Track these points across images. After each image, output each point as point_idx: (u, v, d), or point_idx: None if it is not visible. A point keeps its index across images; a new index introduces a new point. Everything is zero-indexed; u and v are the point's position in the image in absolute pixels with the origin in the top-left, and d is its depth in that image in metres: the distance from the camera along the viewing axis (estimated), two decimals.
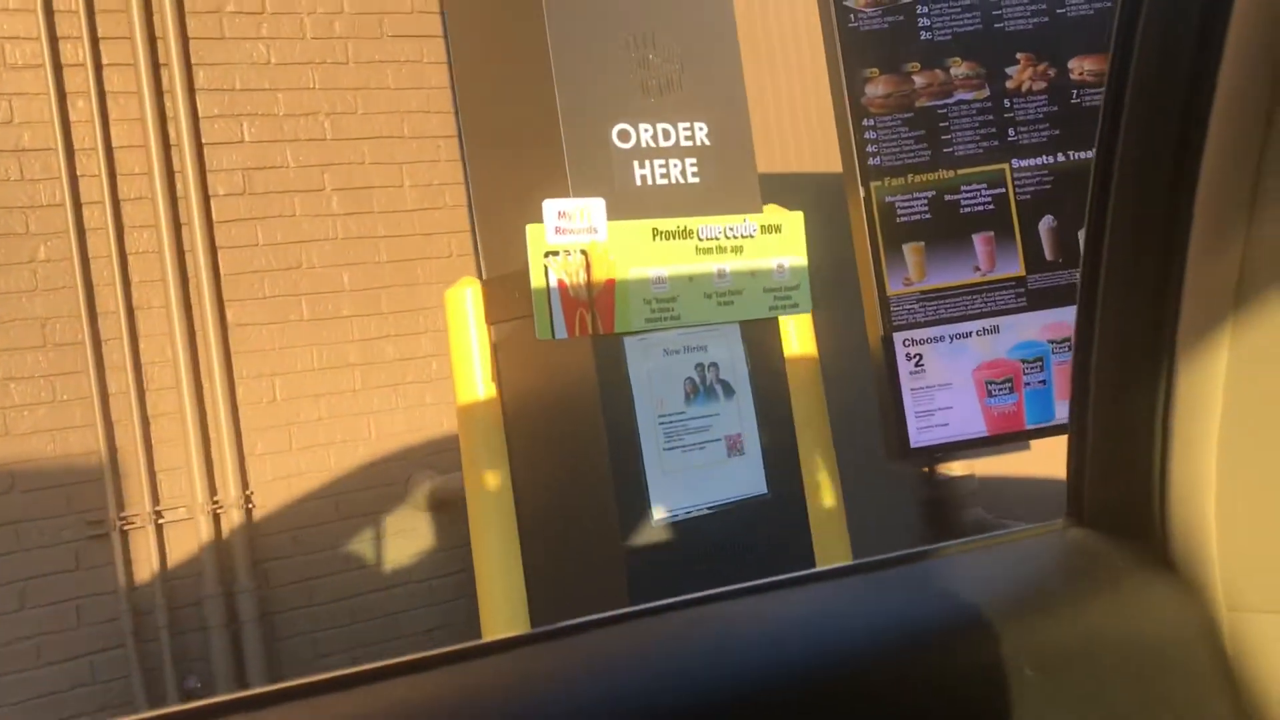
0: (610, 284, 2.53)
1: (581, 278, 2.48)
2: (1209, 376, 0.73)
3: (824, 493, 2.95)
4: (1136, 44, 0.75)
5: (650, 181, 2.64)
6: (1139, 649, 0.73)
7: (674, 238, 2.62)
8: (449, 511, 4.27)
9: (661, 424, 2.61)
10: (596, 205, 2.50)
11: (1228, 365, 0.72)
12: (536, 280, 2.44)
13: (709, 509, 2.64)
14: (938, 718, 0.66)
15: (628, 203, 2.60)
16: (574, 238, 2.47)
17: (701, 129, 2.71)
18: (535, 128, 2.60)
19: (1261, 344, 0.71)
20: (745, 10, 5.50)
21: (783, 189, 5.11)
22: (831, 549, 2.84)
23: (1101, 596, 0.76)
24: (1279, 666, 0.71)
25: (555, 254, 2.46)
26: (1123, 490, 0.79)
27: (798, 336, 2.91)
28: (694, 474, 2.64)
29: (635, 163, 2.62)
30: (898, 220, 3.41)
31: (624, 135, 2.62)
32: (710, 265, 2.68)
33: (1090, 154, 0.73)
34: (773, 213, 2.80)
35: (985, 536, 0.88)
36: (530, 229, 2.43)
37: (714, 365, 2.69)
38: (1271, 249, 0.71)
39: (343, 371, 4.30)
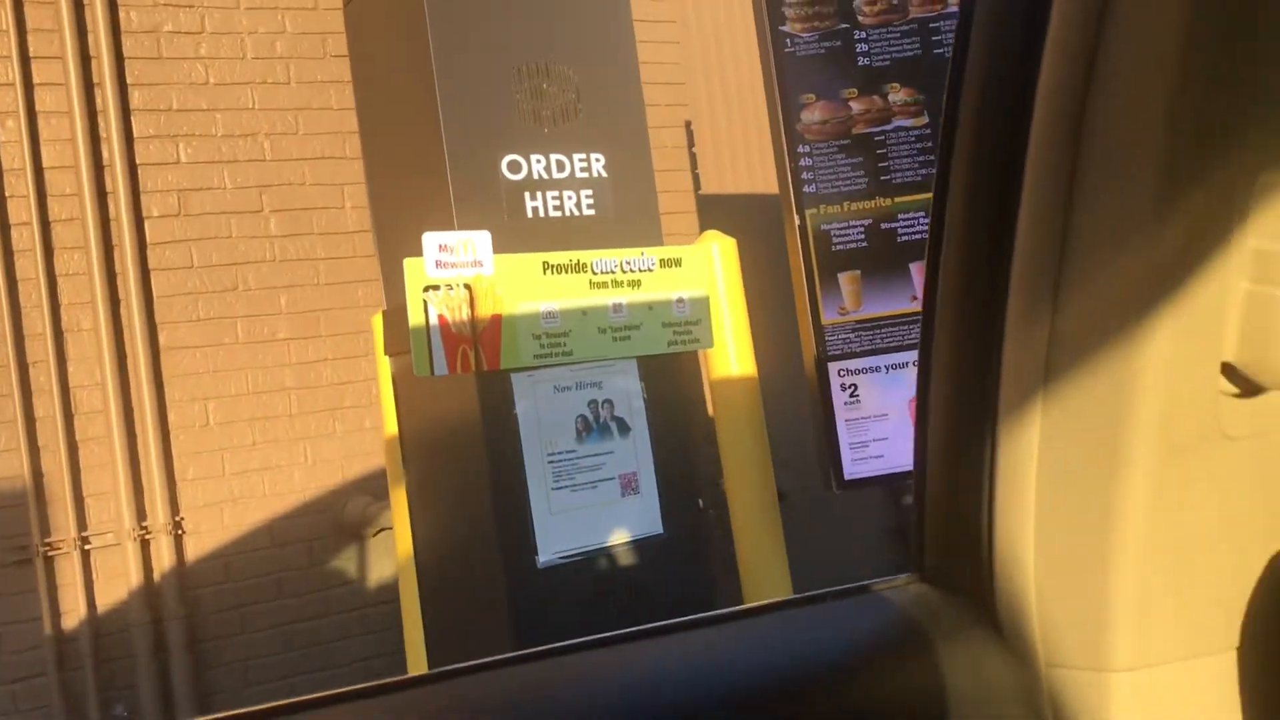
0: (496, 319, 2.47)
1: (464, 313, 2.41)
2: (1024, 448, 0.75)
3: (757, 523, 2.87)
4: (959, 118, 0.76)
5: (543, 214, 2.58)
6: (963, 702, 0.76)
7: (567, 271, 2.55)
8: (384, 538, 4.20)
9: (550, 462, 2.54)
10: (481, 238, 2.44)
11: (1039, 438, 0.74)
12: (414, 316, 2.38)
13: (600, 550, 2.57)
14: None
15: (518, 235, 2.54)
16: (457, 271, 2.40)
17: (599, 160, 2.64)
18: (422, 158, 2.54)
19: (1065, 421, 0.73)
20: (694, 28, 5.44)
21: (731, 211, 5.05)
22: (766, 580, 2.75)
23: (932, 651, 0.79)
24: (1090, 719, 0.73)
25: (436, 288, 2.39)
26: (957, 550, 0.82)
27: (738, 362, 2.84)
28: (584, 514, 2.57)
29: (526, 194, 2.56)
30: (833, 248, 3.34)
31: (514, 166, 2.55)
32: (605, 299, 2.61)
33: None
34: (674, 247, 2.73)
35: (842, 587, 0.89)
36: (408, 263, 2.37)
37: (608, 402, 2.62)
38: (1075, 328, 0.69)
39: (278, 395, 4.24)
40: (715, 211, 4.85)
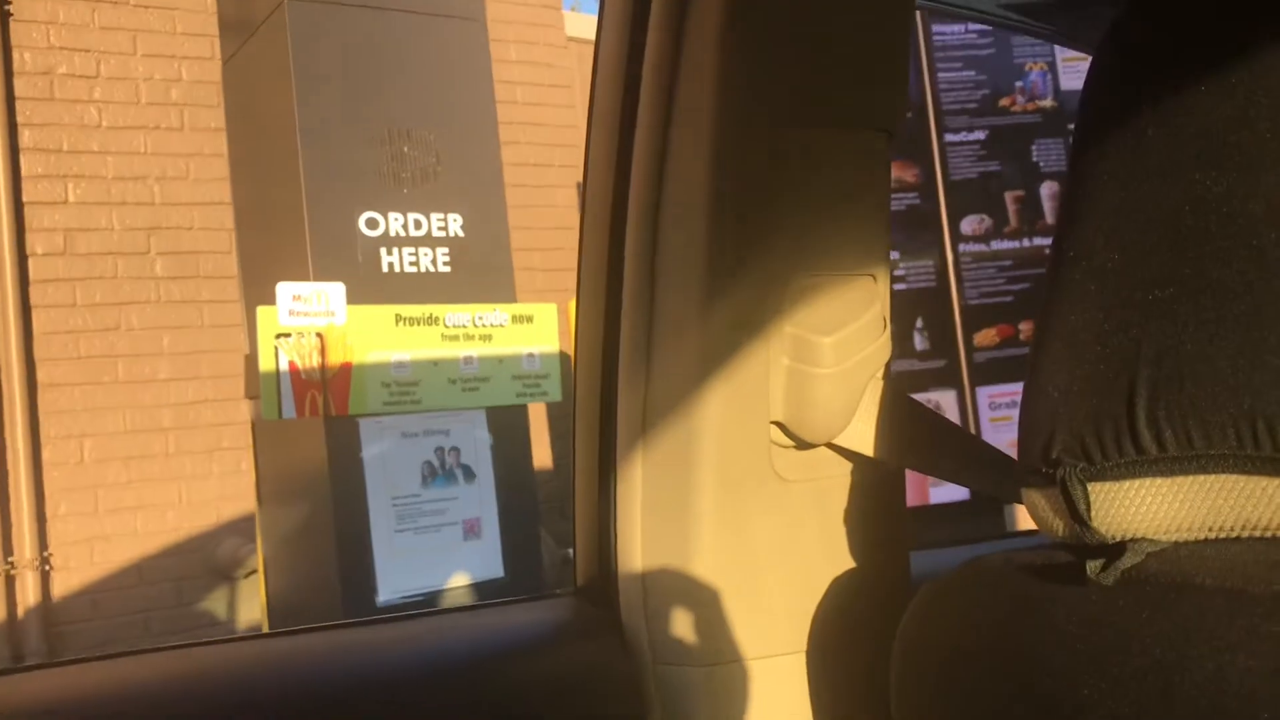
0: (347, 366, 2.59)
1: (315, 360, 2.54)
2: (632, 482, 0.89)
3: None
4: (585, 201, 0.94)
5: (398, 269, 2.72)
6: (591, 692, 0.90)
7: (419, 324, 2.69)
8: (254, 580, 4.25)
9: (395, 506, 2.65)
10: (335, 289, 2.57)
11: (642, 473, 0.89)
12: (265, 361, 2.49)
13: (441, 591, 2.68)
14: None
15: (373, 288, 2.67)
16: (309, 320, 2.53)
17: (455, 220, 2.79)
18: (284, 212, 2.67)
19: (658, 459, 0.87)
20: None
21: None
22: None
23: (567, 652, 0.93)
24: (687, 707, 0.87)
25: (288, 335, 2.51)
26: (596, 567, 0.96)
27: None
28: (427, 556, 2.68)
29: (383, 250, 2.70)
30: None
31: (372, 223, 2.69)
32: (457, 352, 2.75)
33: None
34: (525, 304, 2.88)
35: (512, 599, 1.05)
36: (261, 311, 2.49)
37: (455, 449, 2.75)
38: (661, 387, 0.84)
39: (156, 435, 4.29)
40: None
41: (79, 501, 4.16)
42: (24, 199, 4.13)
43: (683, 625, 0.87)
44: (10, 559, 4.01)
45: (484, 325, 2.78)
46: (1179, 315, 0.51)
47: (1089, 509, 0.54)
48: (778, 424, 0.84)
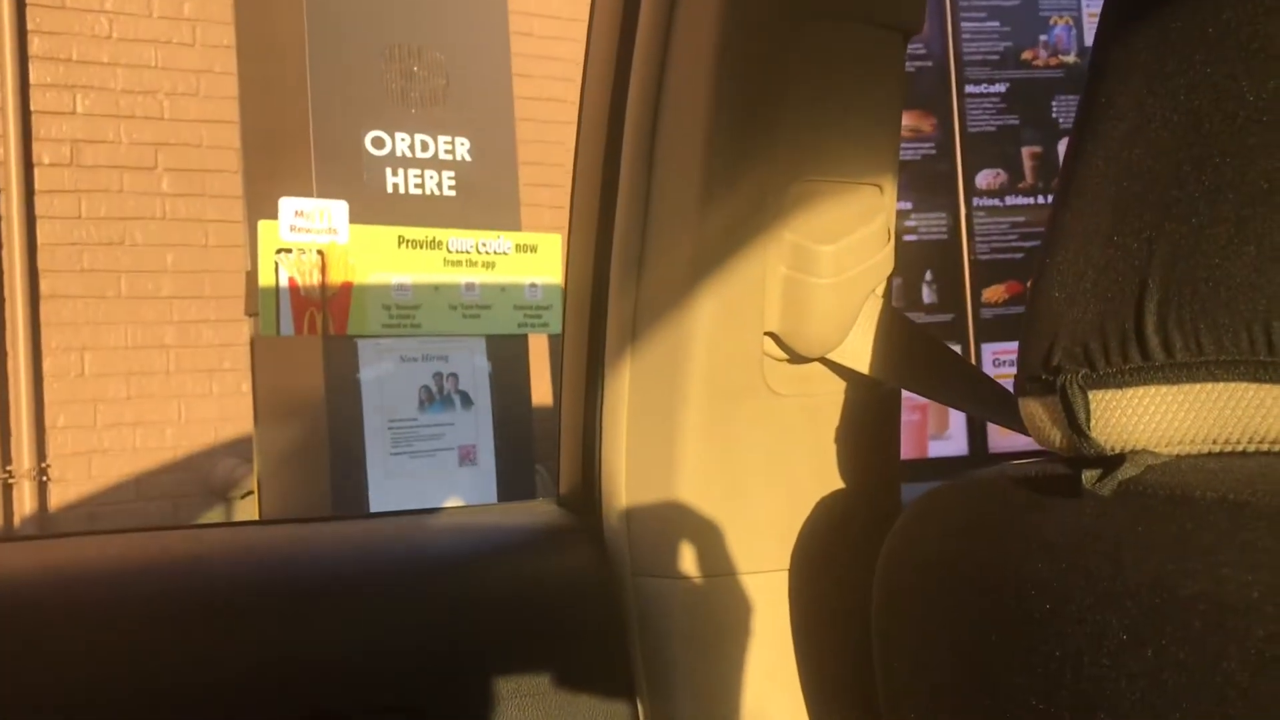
0: (347, 286, 2.57)
1: (315, 277, 2.52)
2: (619, 391, 0.88)
3: None
4: (582, 120, 0.93)
5: (403, 190, 2.69)
6: (568, 600, 0.90)
7: (422, 247, 2.66)
8: (250, 501, 4.26)
9: (391, 428, 2.64)
10: (339, 207, 2.54)
11: (630, 382, 0.87)
12: (265, 277, 2.47)
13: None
14: (432, 624, 0.85)
15: (377, 208, 2.64)
16: (311, 237, 2.51)
17: (463, 144, 2.76)
18: (289, 127, 2.64)
19: (645, 369, 0.86)
20: None
21: None
22: None
23: (546, 557, 0.94)
24: (665, 619, 0.87)
25: (289, 251, 2.49)
26: (579, 475, 0.96)
27: None
28: (421, 481, 2.68)
29: (388, 170, 2.66)
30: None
31: (378, 142, 2.66)
32: (459, 277, 2.73)
33: None
34: (529, 234, 2.86)
35: (493, 504, 1.04)
36: (262, 225, 2.46)
37: (453, 375, 2.73)
38: (652, 295, 0.82)
39: (157, 352, 4.28)
40: None
41: (78, 414, 4.16)
42: (31, 107, 4.09)
43: (664, 536, 0.85)
44: (9, 468, 4.03)
45: (487, 252, 2.75)
46: (1196, 216, 0.49)
47: (1089, 418, 0.52)
48: (771, 335, 0.82)
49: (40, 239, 4.11)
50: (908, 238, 3.91)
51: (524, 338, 2.88)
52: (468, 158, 2.77)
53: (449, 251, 2.70)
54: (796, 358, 0.83)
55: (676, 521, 0.84)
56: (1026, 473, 0.57)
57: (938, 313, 3.98)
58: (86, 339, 4.18)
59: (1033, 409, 0.56)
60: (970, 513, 0.59)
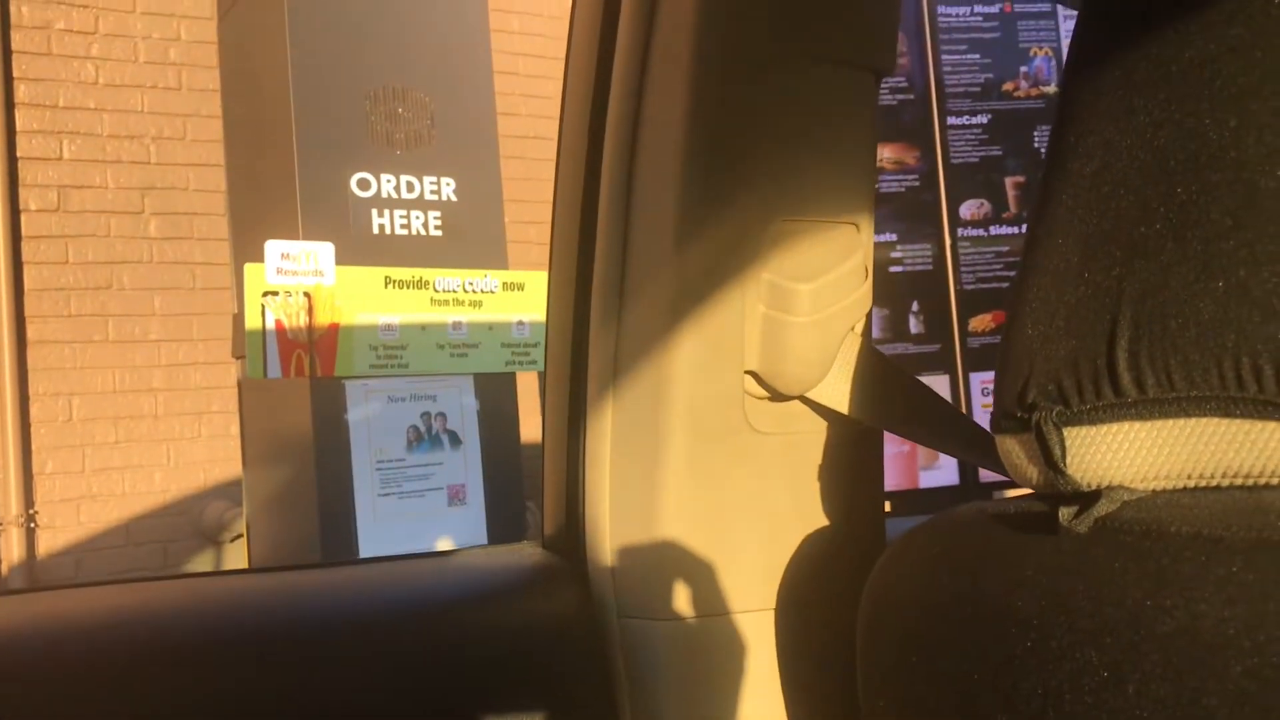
0: (334, 327, 2.57)
1: (302, 319, 2.51)
2: (601, 432, 0.88)
3: None
4: (561, 149, 0.92)
5: (389, 230, 2.69)
6: (555, 644, 0.89)
7: (408, 287, 2.66)
8: (240, 544, 4.24)
9: (379, 469, 2.64)
10: (325, 249, 2.54)
11: (612, 424, 0.87)
12: (252, 320, 2.47)
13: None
14: (415, 674, 0.84)
15: (363, 249, 2.65)
16: (297, 279, 2.51)
17: (449, 184, 2.77)
18: (275, 170, 2.65)
19: (627, 409, 0.86)
20: None
21: None
22: None
23: (531, 602, 0.92)
24: (652, 661, 0.86)
25: (275, 294, 2.49)
26: (563, 520, 0.95)
27: None
28: (409, 522, 2.67)
29: (374, 211, 2.67)
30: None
31: (364, 184, 2.67)
32: (446, 316, 2.73)
33: None
34: (516, 272, 2.86)
35: (476, 547, 1.04)
36: (248, 268, 2.47)
37: (441, 415, 2.73)
38: (631, 336, 0.82)
39: (145, 396, 4.27)
40: None
41: (66, 460, 4.15)
42: (18, 153, 4.10)
43: (649, 578, 0.85)
44: None
45: (474, 291, 2.76)
46: (1164, 253, 0.49)
47: (1064, 455, 0.52)
48: (752, 374, 0.82)
49: (27, 284, 4.11)
50: (893, 269, 3.92)
51: (512, 376, 2.88)
52: (453, 198, 2.78)
53: (436, 291, 2.70)
54: (777, 396, 0.83)
55: (661, 562, 0.84)
56: (1005, 509, 0.58)
57: (925, 343, 3.99)
58: (74, 384, 4.17)
59: (1009, 446, 0.56)
60: (951, 550, 0.59)
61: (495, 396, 2.82)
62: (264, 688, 0.79)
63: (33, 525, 4.07)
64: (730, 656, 0.85)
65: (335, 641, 0.84)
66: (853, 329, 0.83)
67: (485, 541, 2.76)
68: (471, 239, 2.80)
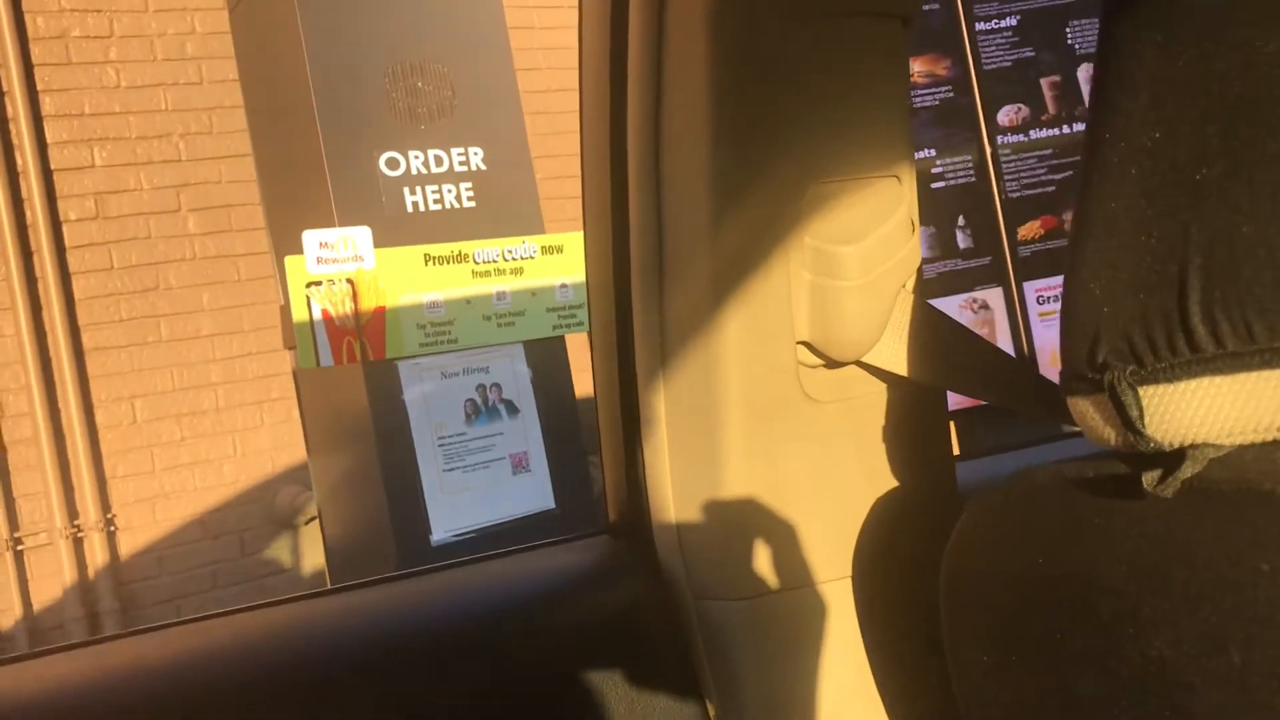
0: (380, 311, 2.57)
1: (348, 306, 2.52)
2: (656, 416, 0.86)
3: None
4: (584, 127, 0.89)
5: (423, 207, 2.68)
6: (632, 631, 0.88)
7: (449, 262, 2.66)
8: (315, 526, 4.30)
9: (441, 446, 2.65)
10: (361, 234, 2.54)
11: (665, 407, 0.85)
12: (298, 311, 2.48)
13: (494, 526, 2.69)
14: (502, 677, 0.83)
15: (399, 229, 2.64)
16: (338, 267, 2.51)
17: (477, 154, 2.74)
18: (303, 158, 2.64)
19: (679, 392, 0.84)
20: None
21: None
22: None
23: (602, 591, 0.92)
24: (731, 640, 0.85)
25: (318, 284, 2.50)
26: (627, 507, 0.94)
27: None
28: (476, 494, 2.69)
29: (405, 189, 2.66)
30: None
31: (392, 163, 2.65)
32: (489, 287, 2.72)
33: None
34: (554, 235, 2.84)
35: (541, 542, 1.03)
36: (289, 261, 2.47)
37: (496, 385, 2.73)
38: (676, 315, 0.81)
39: (204, 391, 4.33)
40: None
41: (136, 462, 4.22)
42: (52, 166, 4.13)
43: (720, 559, 0.84)
44: (76, 522, 4.09)
45: (514, 259, 2.74)
46: (1231, 195, 0.46)
47: (1142, 416, 0.49)
48: (804, 344, 0.80)
49: (77, 294, 4.16)
50: (935, 185, 3.85)
51: (561, 338, 2.88)
52: (483, 166, 2.76)
53: (476, 263, 2.69)
54: (832, 363, 0.81)
55: (731, 541, 0.83)
56: (1083, 473, 0.55)
57: (974, 257, 3.92)
58: (134, 387, 4.23)
59: (1083, 408, 0.54)
60: (1029, 518, 0.57)
61: (547, 361, 2.82)
62: (336, 713, 0.79)
63: (112, 529, 4.16)
64: (809, 629, 0.84)
65: (412, 655, 0.84)
66: (904, 286, 0.81)
67: (554, 505, 2.77)
68: (505, 206, 2.78)
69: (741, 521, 0.82)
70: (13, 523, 4.02)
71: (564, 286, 2.82)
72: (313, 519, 4.28)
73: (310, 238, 2.51)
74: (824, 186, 0.77)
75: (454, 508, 2.64)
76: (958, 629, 0.63)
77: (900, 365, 0.80)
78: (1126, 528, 0.51)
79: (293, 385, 4.36)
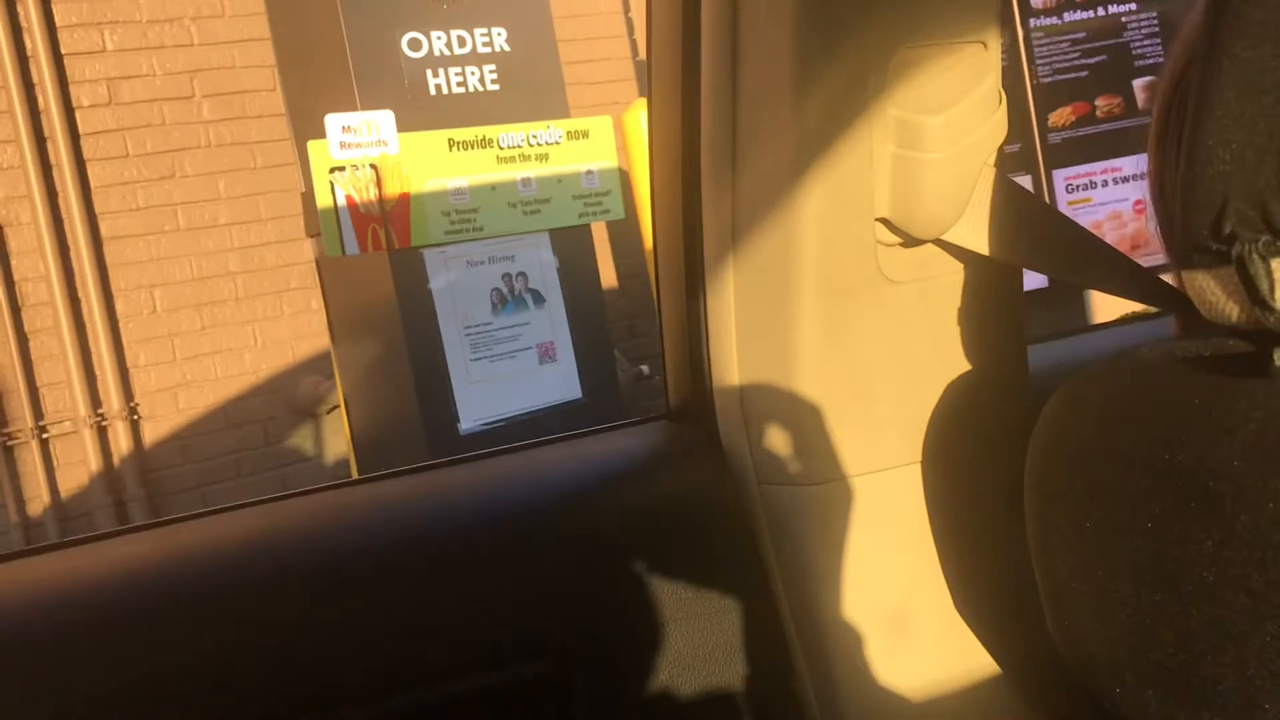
0: (405, 197, 2.53)
1: (372, 192, 2.48)
2: (724, 297, 0.83)
3: None
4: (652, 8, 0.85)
5: (446, 90, 2.62)
6: (696, 516, 0.87)
7: (473, 147, 2.60)
8: (336, 415, 4.32)
9: (468, 335, 2.63)
10: (385, 117, 2.49)
11: (734, 287, 0.83)
12: (322, 197, 2.44)
13: (521, 415, 2.68)
14: (553, 565, 0.82)
15: (422, 113, 2.58)
16: (361, 152, 2.46)
17: (500, 34, 2.67)
18: (323, 39, 2.57)
19: (750, 272, 0.81)
20: None
21: None
22: None
23: (665, 476, 0.90)
24: (794, 527, 0.83)
25: (342, 169, 2.45)
26: (689, 391, 0.92)
27: None
28: (504, 383, 2.68)
29: (428, 71, 2.59)
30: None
31: (415, 44, 2.58)
32: (514, 174, 2.67)
33: None
34: (579, 119, 2.78)
35: (601, 427, 1.02)
36: (312, 145, 2.42)
37: (522, 275, 2.70)
38: (749, 192, 0.78)
39: (223, 280, 4.30)
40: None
41: (157, 351, 4.22)
42: (62, 50, 4.05)
43: (788, 443, 0.82)
44: (100, 411, 4.11)
45: (539, 144, 2.69)
46: None
47: (1274, 289, 0.46)
48: (883, 221, 0.77)
49: (93, 182, 4.11)
50: None
51: (587, 227, 2.83)
52: (506, 47, 2.68)
53: (500, 149, 2.64)
54: (911, 241, 0.78)
55: (799, 425, 0.81)
56: (1198, 351, 0.52)
57: (1004, 143, 3.84)
58: (153, 276, 4.21)
59: (1202, 282, 0.50)
60: (1138, 396, 0.55)
61: (573, 250, 2.78)
62: (403, 599, 0.78)
63: (135, 418, 4.18)
64: (878, 516, 0.82)
65: (475, 542, 0.83)
66: (988, 161, 0.77)
67: (580, 395, 2.76)
68: (530, 88, 2.71)
69: (812, 405, 0.80)
70: (37, 412, 4.04)
71: (590, 173, 2.77)
72: (334, 408, 4.29)
73: (333, 121, 2.45)
74: (910, 52, 0.72)
75: (481, 397, 2.63)
76: (1049, 510, 0.61)
77: (981, 244, 0.77)
78: (1248, 410, 0.48)
79: (311, 276, 4.34)
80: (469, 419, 2.62)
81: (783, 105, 0.73)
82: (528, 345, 2.71)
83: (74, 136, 4.06)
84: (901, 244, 0.78)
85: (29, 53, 4.00)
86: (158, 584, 0.76)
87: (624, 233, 4.39)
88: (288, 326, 4.41)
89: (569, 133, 2.73)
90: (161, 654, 0.72)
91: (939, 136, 0.73)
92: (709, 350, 0.85)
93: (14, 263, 4.01)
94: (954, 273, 0.80)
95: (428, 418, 2.58)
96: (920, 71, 0.73)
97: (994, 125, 0.76)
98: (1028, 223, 0.78)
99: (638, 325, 4.76)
